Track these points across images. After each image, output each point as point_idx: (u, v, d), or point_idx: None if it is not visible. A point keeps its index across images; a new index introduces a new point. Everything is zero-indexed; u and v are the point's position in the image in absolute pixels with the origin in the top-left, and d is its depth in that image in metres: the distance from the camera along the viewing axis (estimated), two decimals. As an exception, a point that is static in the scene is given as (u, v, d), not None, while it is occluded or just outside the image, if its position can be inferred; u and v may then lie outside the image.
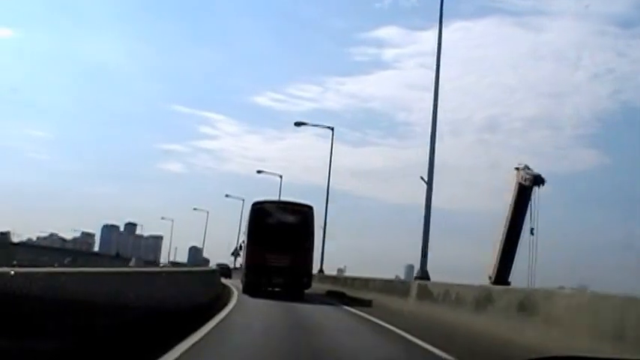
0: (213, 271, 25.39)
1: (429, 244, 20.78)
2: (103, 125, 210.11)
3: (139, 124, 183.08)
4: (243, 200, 58.84)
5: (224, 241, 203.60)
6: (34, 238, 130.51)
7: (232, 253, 61.29)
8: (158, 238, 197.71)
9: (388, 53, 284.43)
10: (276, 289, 24.49)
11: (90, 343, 6.15)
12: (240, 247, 38.69)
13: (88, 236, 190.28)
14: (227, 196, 71.91)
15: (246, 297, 22.08)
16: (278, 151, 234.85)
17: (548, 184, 35.85)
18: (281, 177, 57.23)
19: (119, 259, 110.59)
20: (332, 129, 42.95)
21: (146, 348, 7.29)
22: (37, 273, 5.94)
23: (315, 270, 30.37)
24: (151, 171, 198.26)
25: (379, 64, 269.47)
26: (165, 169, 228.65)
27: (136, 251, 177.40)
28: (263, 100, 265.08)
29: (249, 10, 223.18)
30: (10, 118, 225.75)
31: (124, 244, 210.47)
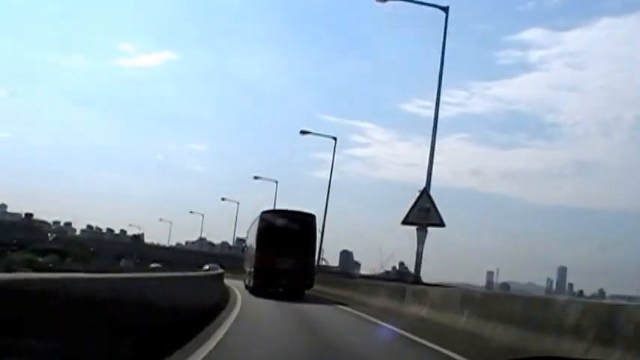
0: (220, 275, 27.47)
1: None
2: (256, 137, 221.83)
3: (291, 135, 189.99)
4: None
5: (374, 245, 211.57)
6: (183, 243, 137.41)
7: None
8: None
9: (533, 55, 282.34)
10: (279, 290, 26.77)
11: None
12: (243, 249, 40.57)
13: (240, 242, 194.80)
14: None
15: (247, 294, 26.02)
16: (427, 156, 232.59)
17: None
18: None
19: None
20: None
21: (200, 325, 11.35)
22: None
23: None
24: (303, 179, 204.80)
25: (524, 67, 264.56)
26: (317, 176, 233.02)
27: None
28: (410, 107, 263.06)
29: (393, 17, 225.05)
30: (172, 134, 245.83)
31: None
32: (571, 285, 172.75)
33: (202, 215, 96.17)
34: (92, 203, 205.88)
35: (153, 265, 72.09)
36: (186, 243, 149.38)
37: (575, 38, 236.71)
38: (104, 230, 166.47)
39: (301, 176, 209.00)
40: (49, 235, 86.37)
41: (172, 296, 10.22)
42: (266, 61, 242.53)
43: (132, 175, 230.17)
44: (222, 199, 73.95)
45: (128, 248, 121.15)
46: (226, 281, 29.88)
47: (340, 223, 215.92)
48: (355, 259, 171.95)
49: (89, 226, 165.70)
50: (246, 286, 30.51)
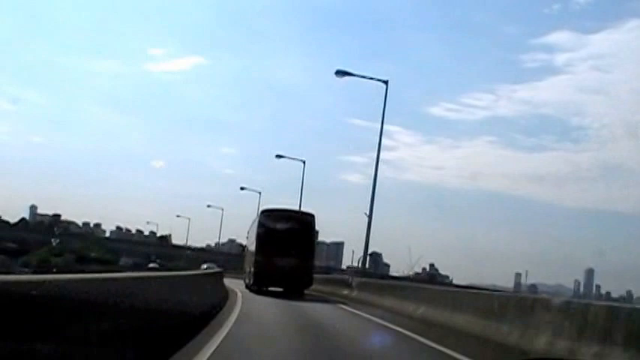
0: (220, 273, 26.94)
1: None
2: (286, 140, 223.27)
3: (320, 138, 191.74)
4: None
5: (402, 247, 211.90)
6: (212, 244, 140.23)
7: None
8: (339, 244, 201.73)
9: (559, 58, 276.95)
10: (279, 289, 26.98)
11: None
12: (244, 249, 40.77)
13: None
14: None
15: (247, 292, 26.13)
16: (453, 159, 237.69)
17: None
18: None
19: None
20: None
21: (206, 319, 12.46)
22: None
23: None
24: (332, 182, 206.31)
25: (551, 70, 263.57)
26: (346, 179, 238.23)
27: (318, 256, 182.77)
28: (437, 110, 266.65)
29: (421, 21, 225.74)
30: (201, 138, 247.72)
31: None
32: (598, 287, 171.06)
33: (222, 210, 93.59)
34: (122, 206, 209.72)
35: (151, 265, 72.90)
36: (216, 245, 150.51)
37: (602, 40, 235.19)
38: (133, 231, 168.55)
39: (331, 179, 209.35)
40: (52, 240, 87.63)
41: (162, 296, 9.86)
42: (295, 64, 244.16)
43: (161, 178, 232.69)
44: (242, 188, 69.66)
45: (154, 249, 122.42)
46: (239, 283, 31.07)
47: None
48: (385, 260, 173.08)
49: (118, 228, 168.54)
50: (247, 285, 30.61)
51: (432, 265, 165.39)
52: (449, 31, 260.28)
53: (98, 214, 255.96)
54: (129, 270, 50.71)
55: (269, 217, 28.06)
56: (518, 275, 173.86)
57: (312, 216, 28.74)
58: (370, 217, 30.95)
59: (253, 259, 27.68)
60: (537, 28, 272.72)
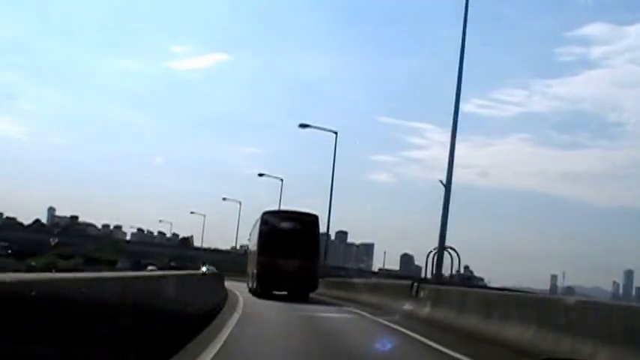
0: (220, 275, 26.99)
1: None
2: (310, 139, 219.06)
3: (347, 136, 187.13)
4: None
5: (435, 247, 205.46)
6: (238, 247, 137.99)
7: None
8: (369, 246, 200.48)
9: (595, 51, 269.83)
10: (284, 292, 26.19)
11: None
12: (245, 251, 39.55)
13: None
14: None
15: (246, 293, 26.71)
16: (486, 157, 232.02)
17: None
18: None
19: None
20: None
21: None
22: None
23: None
24: (360, 182, 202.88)
25: (586, 64, 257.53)
26: (374, 179, 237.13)
27: (348, 258, 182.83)
28: (469, 106, 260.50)
29: (451, 15, 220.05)
30: (224, 136, 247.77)
31: (335, 251, 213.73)
32: (638, 289, 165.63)
33: (240, 203, 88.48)
34: (142, 206, 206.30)
35: (150, 268, 69.83)
36: (241, 247, 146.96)
37: (639, 32, 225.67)
38: (155, 233, 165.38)
39: (358, 178, 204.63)
40: (51, 240, 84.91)
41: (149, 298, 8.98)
42: (320, 61, 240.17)
43: (183, 179, 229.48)
44: (260, 174, 64.28)
45: (176, 251, 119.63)
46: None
47: (399, 227, 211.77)
48: (416, 262, 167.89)
49: (139, 230, 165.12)
50: (250, 289, 29.52)
51: (466, 267, 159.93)
52: (480, 25, 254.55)
53: (117, 216, 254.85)
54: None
55: (271, 217, 27.85)
56: (554, 277, 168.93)
57: (315, 216, 28.20)
58: (446, 208, 23.69)
59: (256, 261, 27.23)
60: (572, 21, 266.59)
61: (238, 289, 29.05)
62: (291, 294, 26.06)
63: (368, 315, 18.94)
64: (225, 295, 22.67)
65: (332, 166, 43.32)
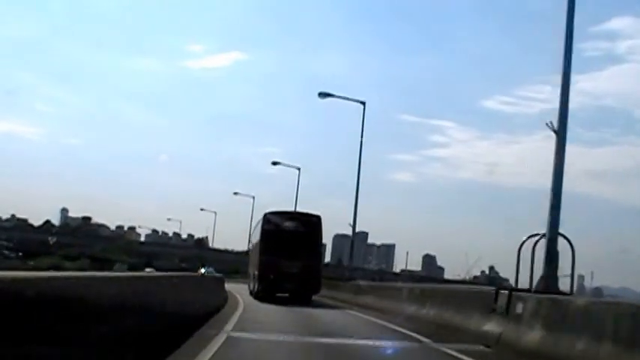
0: (220, 278, 27.62)
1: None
2: (329, 138, 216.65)
3: (367, 135, 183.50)
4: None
5: (457, 248, 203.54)
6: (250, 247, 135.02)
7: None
8: (390, 247, 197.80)
9: (621, 46, 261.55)
10: (286, 295, 25.93)
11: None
12: (247, 253, 39.29)
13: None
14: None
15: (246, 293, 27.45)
16: (510, 155, 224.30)
17: None
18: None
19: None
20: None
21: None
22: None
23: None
24: (381, 181, 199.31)
25: (612, 59, 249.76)
26: (395, 179, 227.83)
27: (367, 259, 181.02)
28: (492, 103, 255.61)
29: (474, 10, 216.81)
30: (243, 136, 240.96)
31: (356, 252, 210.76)
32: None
33: (253, 198, 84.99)
34: (157, 207, 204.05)
35: (148, 270, 67.14)
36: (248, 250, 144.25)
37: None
38: (170, 234, 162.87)
39: (379, 178, 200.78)
40: (49, 238, 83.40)
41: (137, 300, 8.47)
42: (340, 59, 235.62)
43: (201, 180, 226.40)
44: (274, 163, 59.11)
45: (191, 253, 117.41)
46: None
47: (421, 227, 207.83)
48: (439, 263, 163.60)
49: (154, 231, 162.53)
50: (251, 292, 29.16)
51: (491, 268, 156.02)
52: (503, 21, 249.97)
53: (130, 217, 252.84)
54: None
55: (273, 218, 27.59)
56: (580, 277, 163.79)
57: (318, 217, 28.01)
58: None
59: (257, 261, 27.24)
60: (597, 15, 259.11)
61: (240, 291, 28.59)
62: (293, 296, 25.79)
63: (432, 343, 12.39)
64: (225, 297, 22.41)
65: (359, 143, 36.81)
